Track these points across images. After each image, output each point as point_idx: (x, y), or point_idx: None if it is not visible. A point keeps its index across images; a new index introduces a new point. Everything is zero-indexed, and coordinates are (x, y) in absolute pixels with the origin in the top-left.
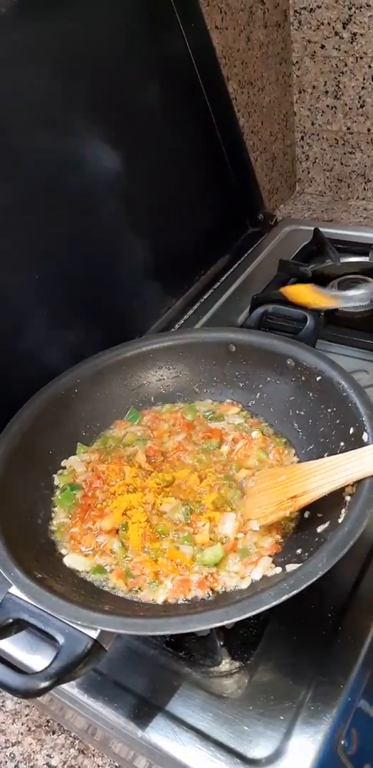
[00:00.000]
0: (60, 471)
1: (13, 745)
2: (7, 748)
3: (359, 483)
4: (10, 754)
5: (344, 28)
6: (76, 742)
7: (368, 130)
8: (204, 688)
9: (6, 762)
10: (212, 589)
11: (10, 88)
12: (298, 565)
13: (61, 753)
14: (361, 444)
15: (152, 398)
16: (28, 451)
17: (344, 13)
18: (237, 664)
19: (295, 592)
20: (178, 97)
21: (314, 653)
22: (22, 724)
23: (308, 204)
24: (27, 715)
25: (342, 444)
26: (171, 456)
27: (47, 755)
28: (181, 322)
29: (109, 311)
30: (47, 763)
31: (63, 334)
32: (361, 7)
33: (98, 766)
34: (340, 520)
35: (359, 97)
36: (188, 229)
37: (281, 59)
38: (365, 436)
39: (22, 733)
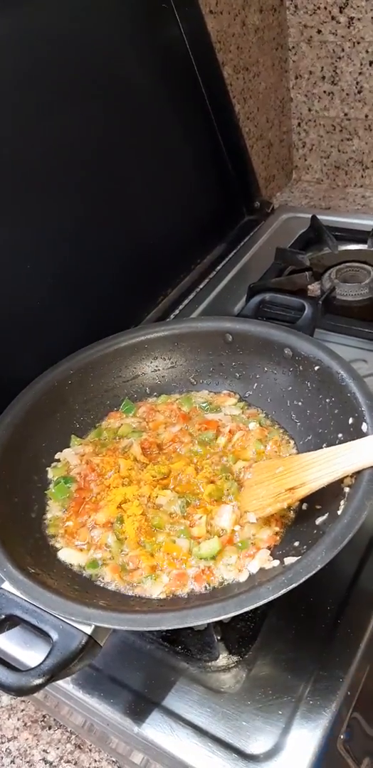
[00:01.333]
0: (54, 464)
1: (9, 740)
2: (3, 743)
3: (358, 474)
4: (7, 749)
5: (340, 12)
6: (73, 737)
7: (366, 116)
8: (201, 683)
9: (2, 757)
10: (209, 583)
11: (4, 75)
12: (296, 558)
13: (58, 748)
14: (360, 434)
15: (147, 389)
16: (20, 444)
17: None
18: (235, 658)
19: (293, 585)
20: (172, 83)
21: (313, 647)
22: (18, 720)
23: (305, 191)
24: (23, 711)
25: (341, 435)
26: (167, 448)
27: (44, 750)
28: (177, 311)
29: (104, 301)
30: (44, 759)
31: (56, 324)
32: None
33: (95, 761)
34: (339, 512)
35: (357, 83)
36: (184, 217)
37: (277, 44)
38: (364, 427)
39: (18, 729)
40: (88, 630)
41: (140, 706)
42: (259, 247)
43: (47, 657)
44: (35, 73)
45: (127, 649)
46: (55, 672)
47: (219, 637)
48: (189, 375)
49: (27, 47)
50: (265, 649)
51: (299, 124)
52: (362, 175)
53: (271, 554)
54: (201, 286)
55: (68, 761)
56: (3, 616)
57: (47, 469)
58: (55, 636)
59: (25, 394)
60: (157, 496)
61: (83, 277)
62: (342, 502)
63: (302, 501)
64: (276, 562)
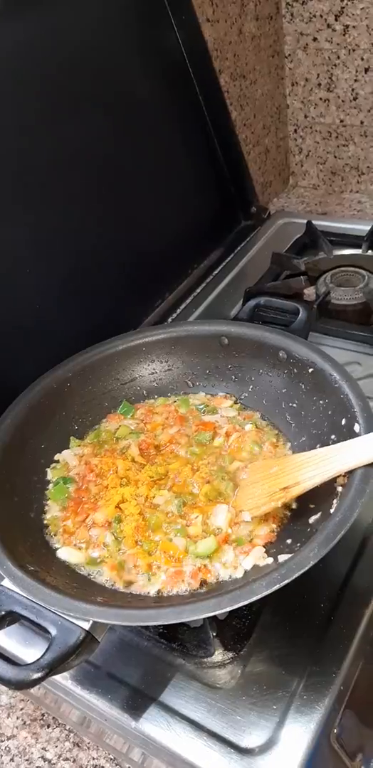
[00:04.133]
0: (53, 465)
1: (8, 738)
2: (2, 742)
3: (350, 473)
4: (6, 747)
5: (336, 20)
6: (71, 735)
7: (362, 122)
8: (197, 678)
9: (1, 756)
10: (205, 581)
11: (4, 84)
12: (290, 555)
13: (56, 746)
14: (353, 435)
15: (145, 392)
16: (20, 445)
17: (336, 5)
18: (230, 654)
19: (286, 581)
20: (169, 90)
21: (306, 643)
22: (17, 718)
23: (301, 197)
24: (22, 709)
25: (334, 435)
26: (164, 449)
27: (42, 749)
28: (175, 315)
29: (103, 305)
30: (42, 756)
31: (55, 327)
32: None
33: (93, 758)
34: (332, 511)
35: (352, 90)
36: (181, 222)
37: (274, 51)
38: (356, 427)
39: (17, 727)
40: (86, 626)
41: (138, 701)
42: (255, 252)
43: (46, 652)
44: (38, 82)
45: (125, 646)
46: (53, 666)
47: (215, 634)
48: (186, 377)
49: (30, 56)
50: (260, 645)
51: (295, 131)
52: (357, 180)
53: (265, 552)
54: (198, 290)
55: (67, 759)
56: (3, 613)
57: (47, 469)
58: (53, 631)
59: (25, 396)
60: (154, 496)
61: (82, 281)
62: (335, 501)
63: (295, 500)
64: (270, 560)
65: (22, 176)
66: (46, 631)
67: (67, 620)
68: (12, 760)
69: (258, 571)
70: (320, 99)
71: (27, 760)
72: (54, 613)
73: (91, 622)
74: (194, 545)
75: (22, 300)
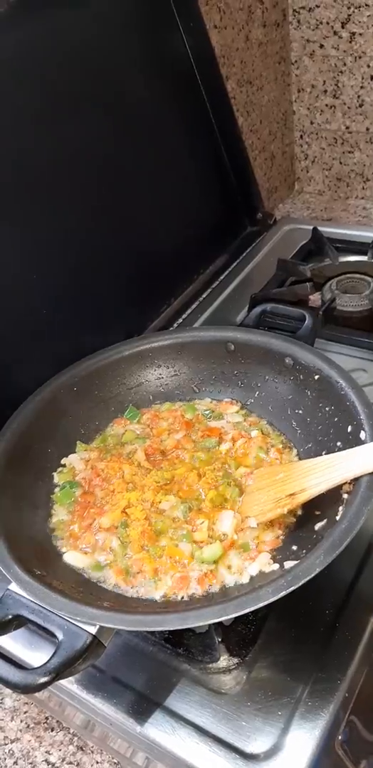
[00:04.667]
0: (59, 469)
1: (12, 742)
2: (5, 745)
3: (356, 480)
4: (9, 750)
5: (342, 27)
6: (75, 738)
7: (367, 129)
8: (203, 684)
9: (5, 759)
10: (210, 586)
11: (8, 86)
12: (295, 562)
13: (60, 750)
14: (359, 442)
15: (151, 397)
16: (27, 449)
17: (342, 12)
18: (235, 660)
19: (292, 588)
20: (176, 96)
21: (311, 649)
22: (21, 721)
23: (307, 203)
24: (26, 713)
25: (340, 443)
26: (170, 454)
27: (46, 752)
28: (180, 320)
29: (108, 310)
30: (46, 760)
31: (61, 333)
32: (360, 7)
33: (97, 762)
34: (337, 518)
35: (358, 97)
36: (187, 227)
37: (280, 58)
38: (362, 435)
39: (20, 730)
40: (93, 630)
41: (143, 706)
42: (261, 258)
43: (53, 656)
44: (41, 84)
45: (131, 650)
46: (60, 670)
47: (220, 639)
48: (192, 383)
49: (33, 58)
50: (265, 651)
51: (301, 137)
52: (363, 187)
53: (271, 558)
54: (204, 296)
55: (70, 763)
56: (10, 616)
57: (53, 474)
58: (60, 636)
59: (32, 401)
60: (160, 501)
61: (88, 287)
62: (341, 508)
63: (301, 507)
64: (276, 566)
65: (27, 180)
66: (53, 636)
67: (74, 624)
68: (15, 763)
69: (264, 577)
70: (326, 105)
71: (31, 763)
72: (61, 617)
73: (97, 626)
74: (199, 551)
75: (28, 306)
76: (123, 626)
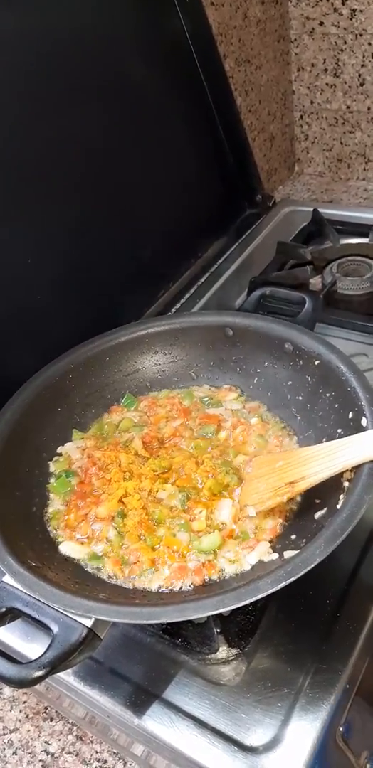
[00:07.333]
0: (55, 458)
1: (11, 732)
2: (5, 735)
3: (357, 468)
4: (9, 740)
5: (343, 4)
6: (74, 728)
7: (368, 108)
8: (201, 675)
9: (4, 749)
10: (209, 576)
11: (4, 71)
12: (295, 552)
13: (59, 740)
14: (360, 429)
15: (148, 383)
16: (22, 438)
17: None
18: (234, 651)
19: (292, 579)
20: (174, 76)
21: (312, 640)
22: (20, 711)
23: (307, 184)
24: (25, 702)
25: (340, 429)
26: (168, 442)
27: (45, 742)
28: (178, 305)
29: (105, 295)
30: (45, 750)
31: (57, 319)
32: None
33: (96, 752)
34: (338, 506)
35: (359, 75)
36: (185, 211)
37: (279, 36)
38: (364, 421)
39: (20, 720)
40: (89, 623)
41: (141, 698)
42: (260, 240)
43: (48, 649)
44: (36, 71)
45: (128, 641)
46: (55, 664)
47: (219, 630)
48: (190, 369)
49: (28, 44)
50: (264, 641)
51: (301, 117)
52: (364, 168)
53: (270, 547)
54: (202, 280)
55: (70, 752)
56: (4, 609)
57: (49, 462)
58: (55, 629)
59: (27, 388)
60: (157, 491)
61: (84, 272)
62: (341, 496)
63: (301, 495)
64: (275, 556)
65: (23, 168)
66: (48, 629)
67: (69, 617)
68: (15, 753)
69: (263, 566)
70: (327, 85)
71: (30, 753)
72: (56, 609)
73: (93, 619)
74: (198, 540)
75: (24, 293)
76: (119, 619)
